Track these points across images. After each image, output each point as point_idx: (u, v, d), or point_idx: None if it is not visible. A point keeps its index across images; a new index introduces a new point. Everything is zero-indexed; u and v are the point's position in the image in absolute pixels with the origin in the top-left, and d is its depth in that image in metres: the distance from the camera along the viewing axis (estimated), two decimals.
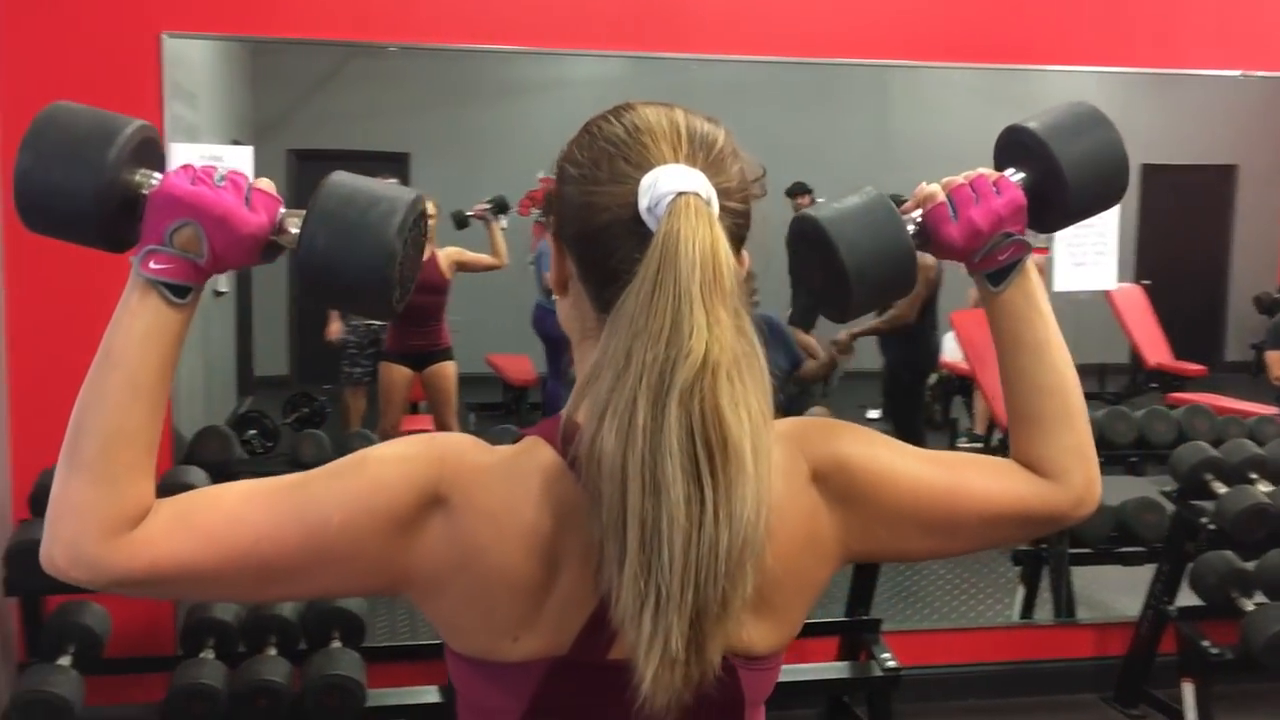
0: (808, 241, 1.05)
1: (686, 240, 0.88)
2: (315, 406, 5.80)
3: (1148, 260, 6.32)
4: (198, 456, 3.33)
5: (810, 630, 3.62)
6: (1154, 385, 6.01)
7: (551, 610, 0.95)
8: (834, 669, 3.49)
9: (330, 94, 7.45)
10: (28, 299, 3.12)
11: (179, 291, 0.95)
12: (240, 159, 3.29)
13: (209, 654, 3.02)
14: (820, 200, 5.77)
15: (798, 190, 5.81)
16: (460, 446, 0.98)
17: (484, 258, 4.97)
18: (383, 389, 4.67)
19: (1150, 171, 6.39)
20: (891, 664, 3.32)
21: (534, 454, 0.97)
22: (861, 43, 3.71)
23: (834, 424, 1.07)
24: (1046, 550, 4.01)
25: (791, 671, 3.36)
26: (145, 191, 0.96)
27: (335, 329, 5.07)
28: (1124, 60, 3.94)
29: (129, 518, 0.93)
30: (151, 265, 0.94)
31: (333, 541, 0.94)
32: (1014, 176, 1.09)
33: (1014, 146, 1.11)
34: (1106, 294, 5.83)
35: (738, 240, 0.97)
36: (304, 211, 0.97)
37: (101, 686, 3.03)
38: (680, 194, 0.91)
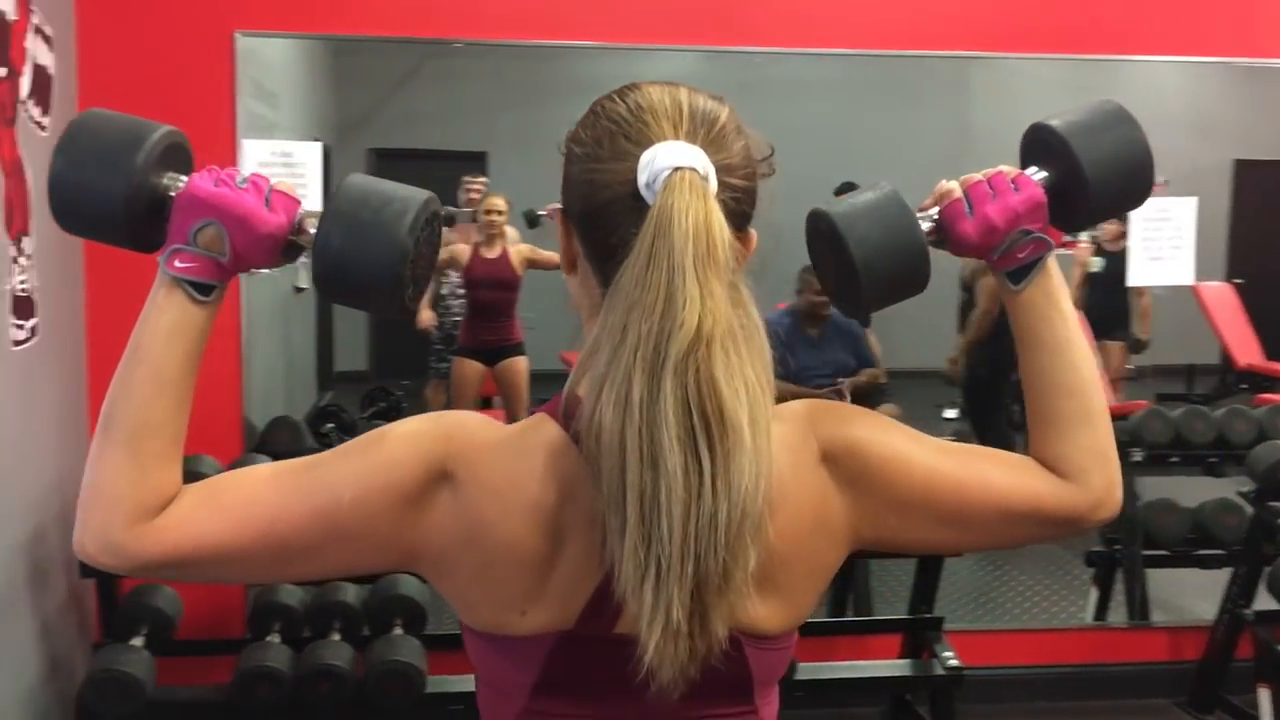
0: (821, 236, 1.05)
1: (680, 214, 0.89)
2: (392, 401, 5.91)
3: (1239, 259, 6.14)
4: (269, 446, 3.42)
5: (872, 627, 3.63)
6: (1244, 386, 5.84)
7: (557, 584, 0.96)
8: (895, 667, 3.45)
9: (410, 93, 7.57)
10: (108, 296, 3.22)
11: (202, 289, 0.98)
12: (310, 155, 3.35)
13: (275, 638, 3.09)
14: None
15: (845, 190, 5.73)
16: (467, 424, 1.00)
17: (554, 256, 5.00)
18: (454, 383, 4.74)
19: (1242, 168, 6.21)
20: (953, 663, 3.27)
21: (539, 430, 0.99)
22: (941, 35, 3.64)
23: (849, 407, 1.07)
24: (1120, 552, 3.92)
25: (853, 668, 3.36)
26: (172, 193, 0.99)
27: (426, 317, 5.13)
28: (1208, 50, 3.82)
29: (155, 505, 0.96)
30: (176, 264, 0.98)
31: (344, 519, 0.96)
32: (1036, 174, 1.08)
33: (1037, 144, 1.09)
34: (1195, 293, 5.69)
35: (739, 216, 0.97)
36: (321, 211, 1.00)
37: (172, 667, 3.11)
38: (677, 169, 0.91)
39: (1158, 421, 3.90)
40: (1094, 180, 1.05)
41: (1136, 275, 3.74)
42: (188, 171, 1.02)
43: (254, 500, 0.97)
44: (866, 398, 4.70)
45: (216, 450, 3.19)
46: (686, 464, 0.86)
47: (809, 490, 1.01)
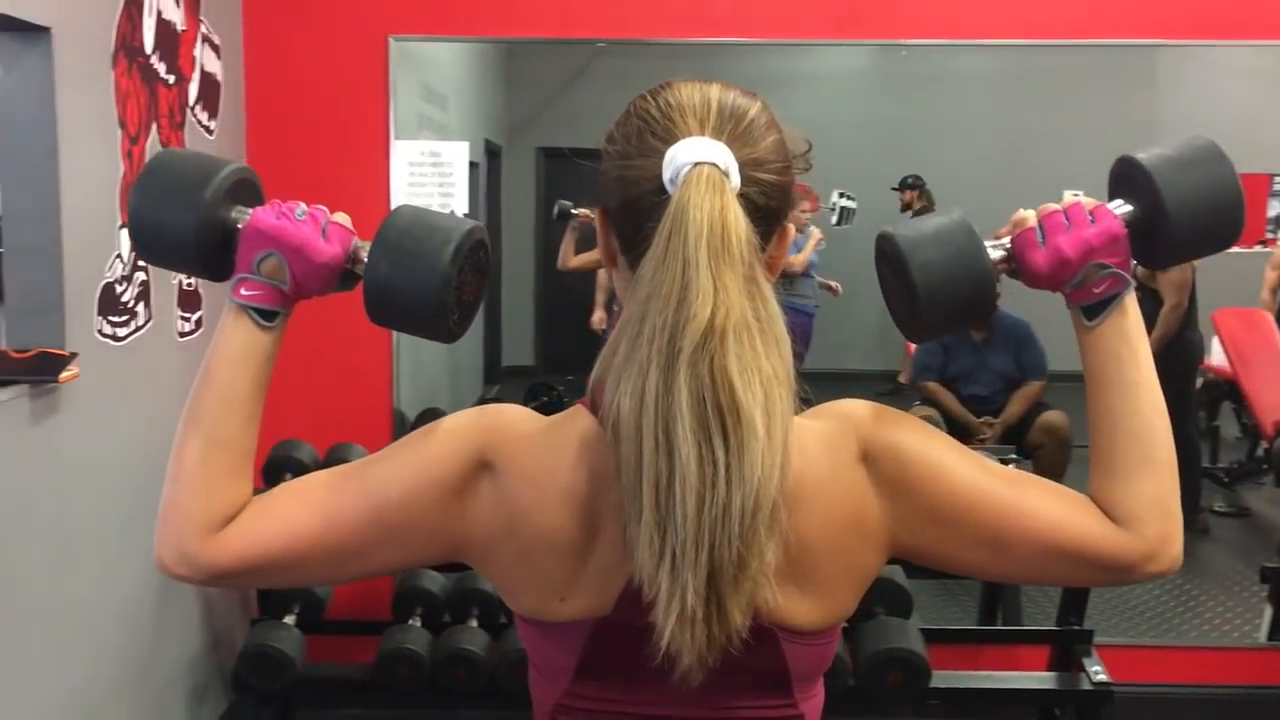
0: (886, 258, 1.04)
1: (696, 208, 0.89)
2: (554, 396, 6.04)
3: None
4: None
5: (1020, 638, 3.50)
6: None
7: (594, 571, 0.98)
8: (1039, 679, 3.31)
9: (579, 93, 7.69)
10: None
11: (267, 315, 1.04)
12: (457, 155, 3.45)
13: (416, 622, 3.19)
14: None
15: (906, 185, 5.54)
16: (507, 415, 1.03)
17: None
18: None
19: None
20: (1102, 677, 3.12)
21: (574, 420, 1.01)
22: (1126, 22, 3.45)
23: (898, 413, 1.05)
24: None
25: (994, 679, 3.25)
26: (239, 226, 1.05)
27: (598, 318, 5.22)
28: None
29: (223, 518, 1.01)
30: (242, 292, 1.04)
31: (393, 515, 1.00)
32: (1118, 208, 1.04)
33: (1123, 177, 1.05)
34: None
35: (768, 211, 0.97)
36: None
37: (320, 645, 3.26)
38: (696, 164, 0.92)
39: None
40: (1176, 216, 1.01)
41: None
42: (256, 204, 1.07)
43: (308, 504, 1.01)
44: (1025, 419, 4.52)
45: (366, 439, 3.32)
46: (700, 454, 0.87)
47: (845, 488, 0.99)
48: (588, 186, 1.04)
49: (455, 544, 1.02)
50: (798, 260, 5.39)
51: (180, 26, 2.95)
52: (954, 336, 4.72)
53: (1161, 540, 1.01)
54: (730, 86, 0.99)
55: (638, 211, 0.95)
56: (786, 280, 4.37)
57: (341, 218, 1.07)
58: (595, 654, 1.00)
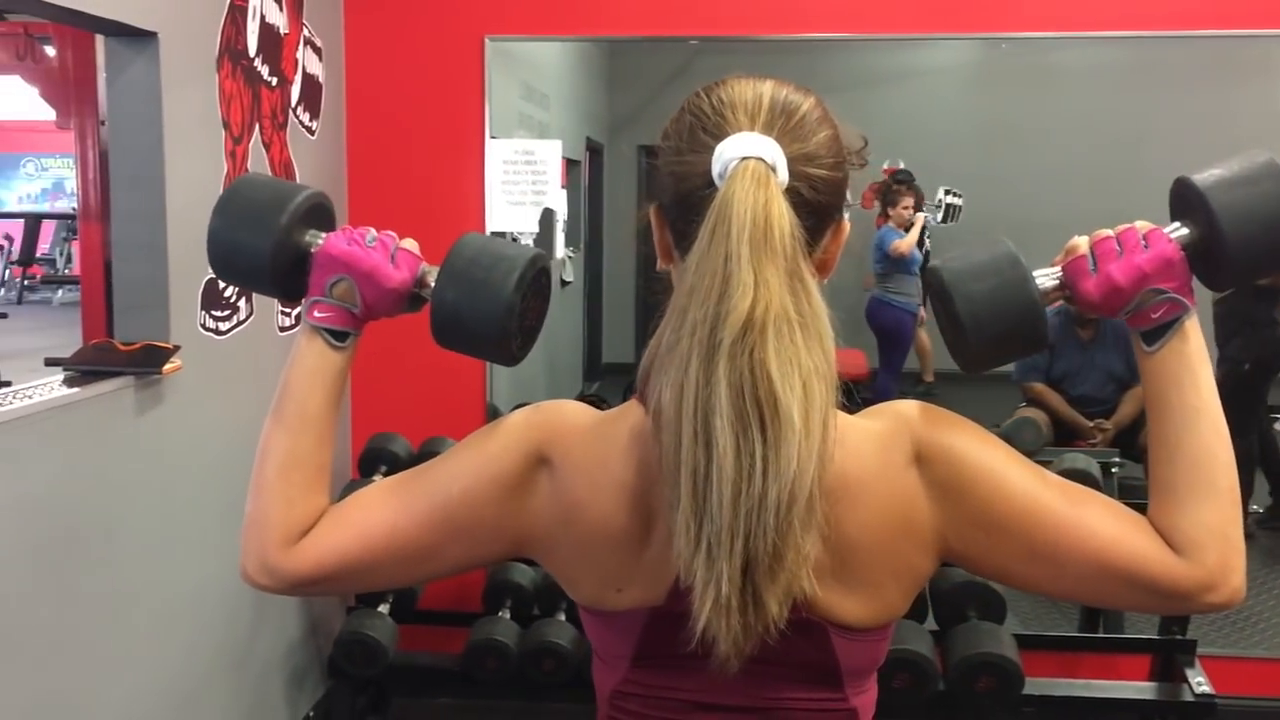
0: (934, 293, 1.04)
1: (740, 202, 0.89)
2: None
3: None
4: None
5: (1121, 646, 3.40)
6: None
7: (648, 562, 0.99)
8: (1138, 689, 3.21)
9: (680, 91, 7.65)
10: None
11: (338, 336, 1.08)
12: (550, 153, 3.48)
13: (506, 614, 3.24)
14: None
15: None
16: (563, 410, 1.05)
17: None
18: None
19: None
20: (1205, 689, 3.02)
21: (627, 415, 1.02)
22: (1246, 12, 3.32)
23: (956, 417, 1.03)
24: None
25: (1090, 687, 3.17)
26: (312, 250, 1.09)
27: None
28: None
29: (300, 530, 1.06)
30: (315, 314, 1.08)
31: (455, 513, 1.03)
32: (1174, 231, 1.01)
33: (1180, 199, 1.02)
34: None
35: (819, 206, 0.96)
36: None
37: (412, 634, 3.33)
38: (743, 159, 0.92)
39: None
40: (1232, 238, 0.97)
41: None
42: (329, 229, 1.11)
43: (377, 509, 1.05)
44: (1139, 420, 4.40)
45: (459, 433, 3.37)
46: (738, 446, 0.87)
47: (895, 489, 0.98)
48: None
49: (518, 538, 1.04)
50: (904, 245, 5.31)
51: (283, 30, 3.03)
52: (1060, 334, 4.61)
53: (1222, 570, 0.97)
54: (784, 83, 0.99)
55: (688, 206, 0.96)
56: (887, 277, 4.32)
57: (409, 244, 1.10)
58: (650, 642, 1.01)
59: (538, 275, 1.07)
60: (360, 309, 1.08)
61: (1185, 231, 1.01)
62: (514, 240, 1.12)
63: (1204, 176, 1.00)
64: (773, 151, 0.93)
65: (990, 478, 0.98)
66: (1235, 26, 3.34)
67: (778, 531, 0.87)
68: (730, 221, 0.89)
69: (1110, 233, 1.01)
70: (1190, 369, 1.00)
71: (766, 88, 0.98)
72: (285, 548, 1.05)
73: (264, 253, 1.08)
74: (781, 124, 0.95)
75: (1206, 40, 3.45)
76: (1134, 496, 3.34)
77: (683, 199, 0.97)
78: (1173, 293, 0.99)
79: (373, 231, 1.09)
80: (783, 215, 0.90)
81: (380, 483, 1.08)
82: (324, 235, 1.10)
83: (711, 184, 0.94)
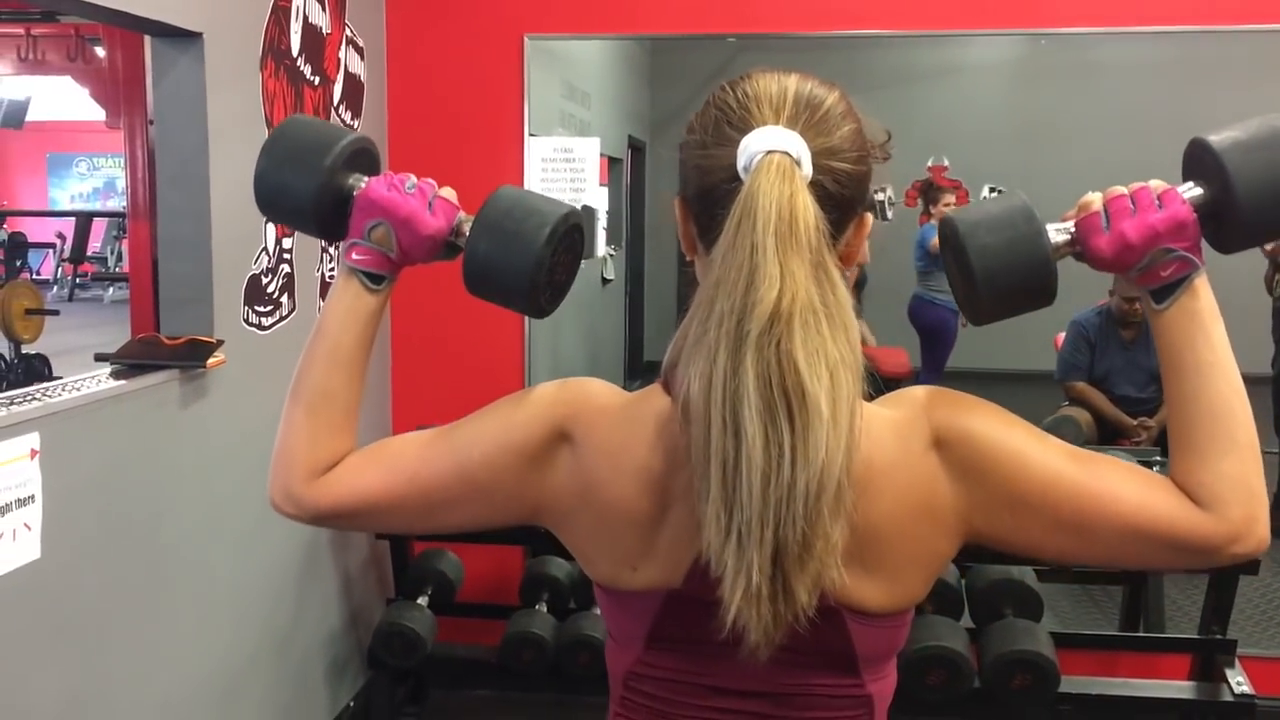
0: (948, 244, 1.04)
1: (766, 195, 0.91)
2: None
3: None
4: None
5: (1161, 645, 3.38)
6: None
7: (665, 544, 1.01)
8: (1177, 689, 3.19)
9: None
10: (407, 283, 3.51)
11: (374, 279, 1.11)
12: (588, 150, 3.51)
13: (542, 607, 3.27)
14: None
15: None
16: (588, 390, 1.07)
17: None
18: None
19: None
20: (1245, 689, 2.99)
21: (651, 400, 1.04)
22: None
23: (972, 398, 1.04)
24: None
25: (1129, 686, 3.15)
26: (354, 193, 1.12)
27: None
28: None
29: (326, 465, 1.10)
30: (353, 256, 1.11)
31: (475, 473, 1.06)
32: (1188, 192, 1.01)
33: (1194, 160, 1.03)
34: None
35: (843, 200, 0.98)
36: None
37: (450, 626, 3.38)
38: (768, 153, 0.93)
39: None
40: (1245, 199, 0.98)
41: None
42: (373, 173, 1.14)
43: (401, 458, 1.09)
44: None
45: None
46: (766, 435, 0.88)
47: (916, 475, 1.00)
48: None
49: (534, 507, 1.07)
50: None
51: (326, 30, 3.08)
52: (1102, 335, 4.59)
53: (1246, 521, 0.99)
54: (809, 77, 1.00)
55: (713, 199, 0.97)
56: (929, 275, 4.31)
57: (448, 192, 1.12)
58: (665, 624, 1.03)
59: (570, 231, 1.09)
60: (396, 254, 1.10)
61: (1199, 192, 1.01)
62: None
63: (1220, 138, 1.00)
64: (798, 145, 0.94)
65: (1010, 456, 1.00)
66: (1276, 21, 3.29)
67: (807, 520, 0.89)
68: (756, 214, 0.90)
69: (1124, 190, 1.02)
70: (1202, 325, 1.01)
71: (791, 81, 0.99)
72: (309, 480, 1.10)
73: (308, 193, 1.11)
74: (806, 118, 0.96)
75: (1247, 35, 3.40)
76: None
77: (707, 192, 0.99)
78: (1183, 252, 1.00)
79: (413, 178, 1.12)
80: (807, 208, 0.91)
81: (409, 434, 1.12)
82: (366, 179, 1.12)
83: (736, 177, 0.95)
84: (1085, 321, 4.54)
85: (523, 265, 1.06)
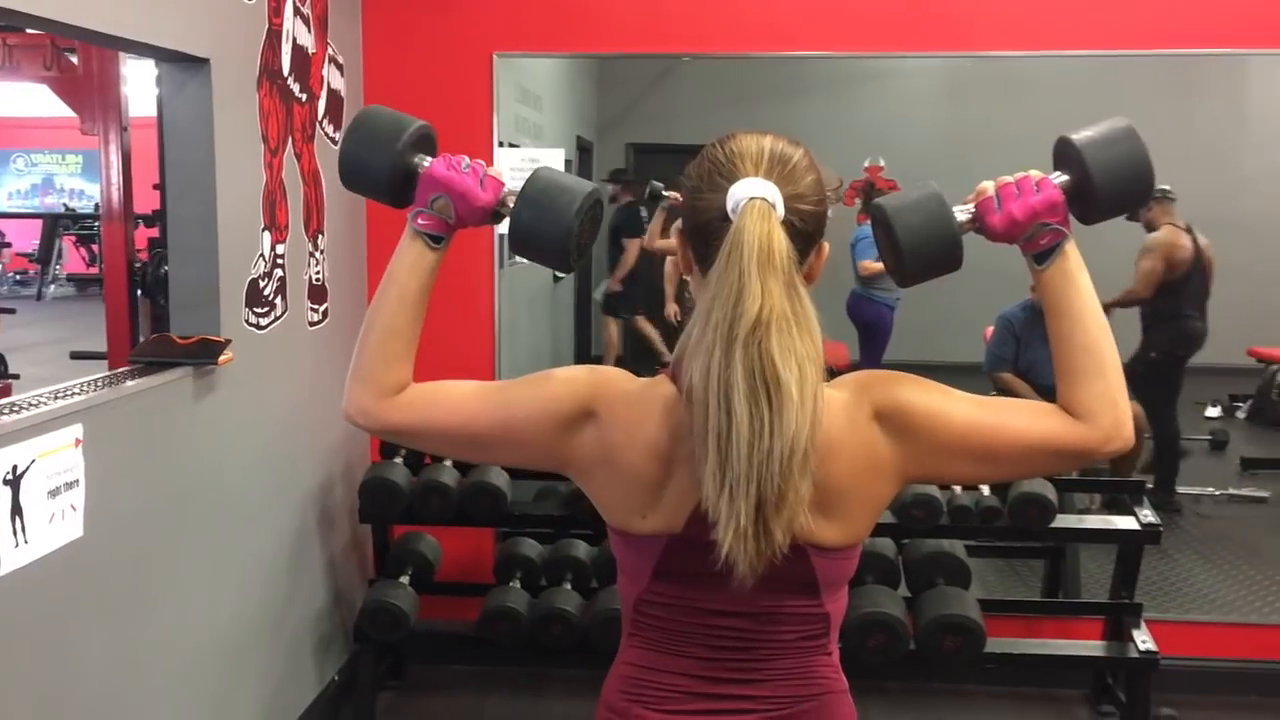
0: (879, 224, 1.34)
1: (750, 232, 1.20)
2: None
3: None
4: None
5: (1073, 610, 3.74)
6: None
7: (669, 499, 1.30)
8: (1089, 647, 3.55)
9: (666, 91, 8.00)
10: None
11: (435, 239, 1.39)
12: (553, 160, 3.77)
13: (516, 584, 3.54)
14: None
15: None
16: (613, 376, 1.36)
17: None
18: None
19: None
20: (1148, 646, 3.35)
21: (659, 386, 1.33)
22: (1220, 33, 3.63)
23: (898, 375, 1.34)
24: None
25: (1050, 646, 3.50)
26: (419, 171, 1.39)
27: (672, 310, 5.57)
28: None
29: (393, 387, 1.38)
30: (419, 221, 1.38)
31: (518, 428, 1.35)
32: (1058, 178, 1.33)
33: (1062, 154, 1.35)
34: None
35: (807, 234, 1.28)
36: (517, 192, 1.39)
37: (431, 604, 3.63)
38: (751, 199, 1.23)
39: None
40: (1101, 184, 1.30)
41: None
42: (432, 154, 1.41)
43: (460, 402, 1.37)
44: None
45: None
46: (751, 413, 1.17)
47: (862, 441, 1.30)
48: (676, 179, 1.36)
49: (561, 461, 1.36)
50: (875, 266, 5.82)
51: (311, 50, 3.31)
52: (1027, 329, 4.93)
53: (1115, 426, 1.30)
54: (780, 137, 1.30)
55: (708, 233, 1.27)
56: (869, 277, 4.68)
57: (495, 171, 1.39)
58: (668, 560, 1.32)
59: (593, 205, 1.36)
60: (454, 220, 1.37)
61: (1066, 178, 1.32)
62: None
63: (1080, 137, 1.32)
64: (773, 193, 1.24)
65: (932, 416, 1.30)
66: (1189, 46, 3.66)
67: (782, 478, 1.18)
68: (742, 246, 1.20)
69: (1010, 179, 1.32)
70: (1074, 280, 1.31)
71: (767, 141, 1.29)
72: (380, 399, 1.37)
73: (383, 170, 1.38)
74: (779, 170, 1.26)
75: (1153, 58, 3.76)
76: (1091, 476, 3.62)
77: (702, 227, 1.28)
78: (1056, 224, 1.31)
79: (466, 159, 1.38)
80: (781, 241, 1.21)
81: (467, 383, 1.39)
82: (429, 159, 1.39)
83: (726, 217, 1.24)
84: (1011, 316, 4.89)
85: (557, 231, 1.33)
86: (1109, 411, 1.30)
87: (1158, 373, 5.20)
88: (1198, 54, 3.71)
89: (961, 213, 1.33)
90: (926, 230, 1.30)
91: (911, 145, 7.68)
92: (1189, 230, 5.39)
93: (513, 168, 3.75)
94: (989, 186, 1.34)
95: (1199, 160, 8.17)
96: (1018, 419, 1.32)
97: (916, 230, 1.30)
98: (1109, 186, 1.30)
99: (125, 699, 2.38)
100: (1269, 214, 7.67)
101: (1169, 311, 5.22)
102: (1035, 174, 1.33)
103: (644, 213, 6.57)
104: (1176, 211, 5.40)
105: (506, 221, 1.38)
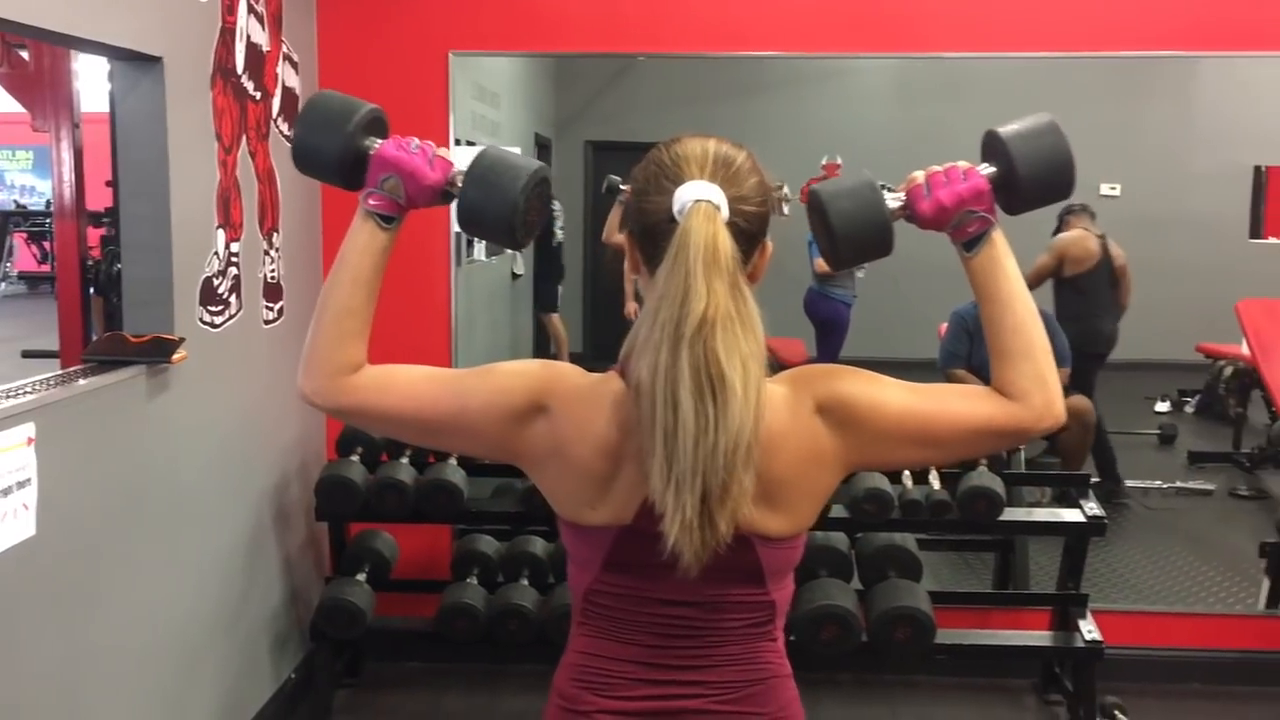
0: (814, 210, 1.38)
1: (696, 233, 1.24)
2: None
3: None
4: None
5: (1021, 601, 3.82)
6: None
7: (618, 493, 1.33)
8: (1037, 637, 3.62)
9: (623, 89, 8.04)
10: None
11: (387, 220, 1.40)
12: None
13: (473, 580, 3.55)
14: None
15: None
16: (565, 371, 1.39)
17: None
18: None
19: None
20: (1093, 636, 3.42)
21: (609, 383, 1.36)
22: (1166, 35, 3.71)
23: (837, 368, 1.39)
24: None
25: (999, 637, 3.56)
26: (370, 152, 1.41)
27: (631, 308, 5.60)
28: None
29: (347, 367, 1.39)
30: (370, 202, 1.40)
31: (470, 419, 1.37)
32: (984, 169, 1.38)
33: (989, 146, 1.40)
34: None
35: (751, 234, 1.31)
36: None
37: (388, 601, 3.64)
38: (697, 201, 1.26)
39: None
40: (1025, 175, 1.35)
41: None
42: (384, 137, 1.43)
43: (415, 387, 1.39)
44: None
45: None
46: (696, 409, 1.20)
47: (805, 434, 1.33)
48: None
49: (512, 453, 1.39)
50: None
51: (265, 48, 3.31)
52: (980, 326, 5.01)
53: (1045, 404, 1.34)
54: (724, 140, 1.34)
55: (655, 234, 1.30)
56: (826, 275, 4.77)
57: (444, 152, 1.41)
58: (618, 551, 1.35)
59: (539, 184, 1.38)
60: (404, 200, 1.38)
61: (993, 169, 1.37)
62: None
63: (1006, 130, 1.37)
64: (718, 195, 1.27)
65: (871, 406, 1.34)
66: (1137, 48, 3.75)
67: (726, 471, 1.21)
68: (689, 248, 1.23)
69: (939, 168, 1.36)
70: (1001, 265, 1.36)
71: (711, 145, 1.32)
72: (336, 378, 1.38)
73: (334, 152, 1.39)
74: (723, 173, 1.29)
75: (1113, 60, 3.85)
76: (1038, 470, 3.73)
77: (650, 229, 1.31)
78: (983, 213, 1.35)
79: (416, 140, 1.40)
80: (726, 242, 1.24)
81: (423, 368, 1.41)
82: (379, 141, 1.41)
83: (673, 219, 1.27)
84: (965, 314, 4.97)
85: (503, 209, 1.35)
86: (1040, 391, 1.34)
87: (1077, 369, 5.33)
88: (1145, 56, 3.79)
89: (893, 200, 1.37)
90: (859, 216, 1.34)
91: (865, 143, 7.76)
92: (1101, 238, 5.63)
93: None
94: (919, 175, 1.38)
95: (1148, 160, 8.34)
96: (955, 404, 1.36)
97: (850, 216, 1.34)
98: (1032, 177, 1.35)
99: (78, 698, 2.38)
100: (1217, 213, 7.83)
101: (1075, 311, 5.44)
102: (963, 164, 1.38)
103: None
104: (1094, 222, 5.68)
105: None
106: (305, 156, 1.44)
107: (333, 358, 1.38)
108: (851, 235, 1.35)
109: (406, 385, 1.39)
